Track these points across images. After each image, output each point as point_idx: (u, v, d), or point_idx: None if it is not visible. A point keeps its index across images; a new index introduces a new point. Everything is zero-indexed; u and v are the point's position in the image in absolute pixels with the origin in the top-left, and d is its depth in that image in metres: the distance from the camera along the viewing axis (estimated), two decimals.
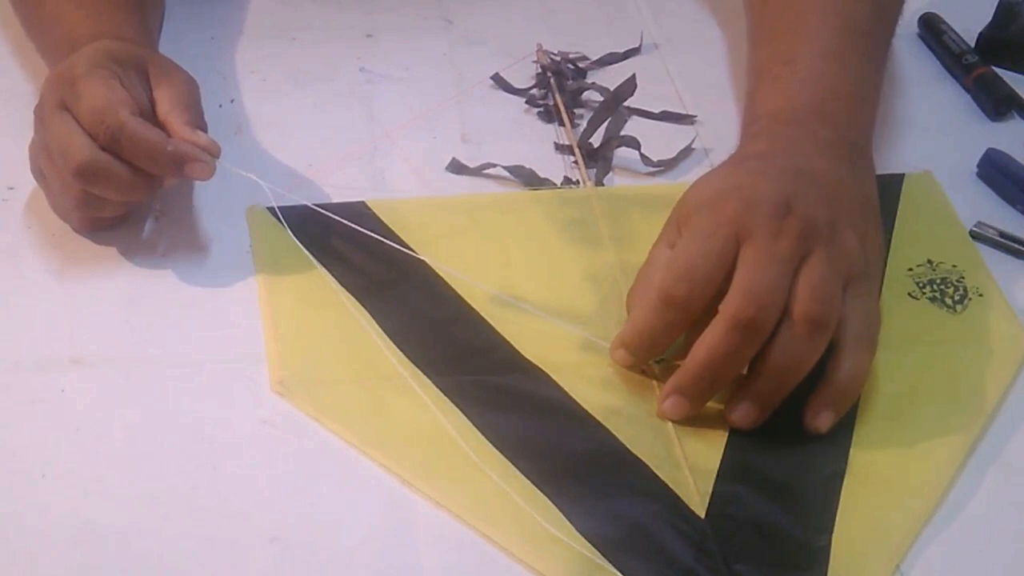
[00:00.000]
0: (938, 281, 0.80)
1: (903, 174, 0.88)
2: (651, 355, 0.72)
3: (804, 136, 0.78)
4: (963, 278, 0.80)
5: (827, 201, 0.72)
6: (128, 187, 0.76)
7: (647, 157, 0.88)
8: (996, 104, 0.95)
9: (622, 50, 0.99)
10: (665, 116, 0.93)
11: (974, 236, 0.84)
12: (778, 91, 0.82)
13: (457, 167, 0.88)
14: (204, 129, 0.79)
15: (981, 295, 0.79)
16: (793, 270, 0.69)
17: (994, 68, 0.98)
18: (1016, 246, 0.83)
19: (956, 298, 0.79)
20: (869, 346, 0.71)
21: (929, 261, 0.81)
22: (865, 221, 0.74)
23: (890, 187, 0.86)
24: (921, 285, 0.80)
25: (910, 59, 1.02)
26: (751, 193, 0.71)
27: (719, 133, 0.91)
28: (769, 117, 0.80)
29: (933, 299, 0.79)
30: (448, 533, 0.66)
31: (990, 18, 1.01)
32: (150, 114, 0.78)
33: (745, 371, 0.70)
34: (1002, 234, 0.84)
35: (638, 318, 0.71)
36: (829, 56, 0.83)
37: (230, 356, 0.74)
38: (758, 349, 0.68)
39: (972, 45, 1.00)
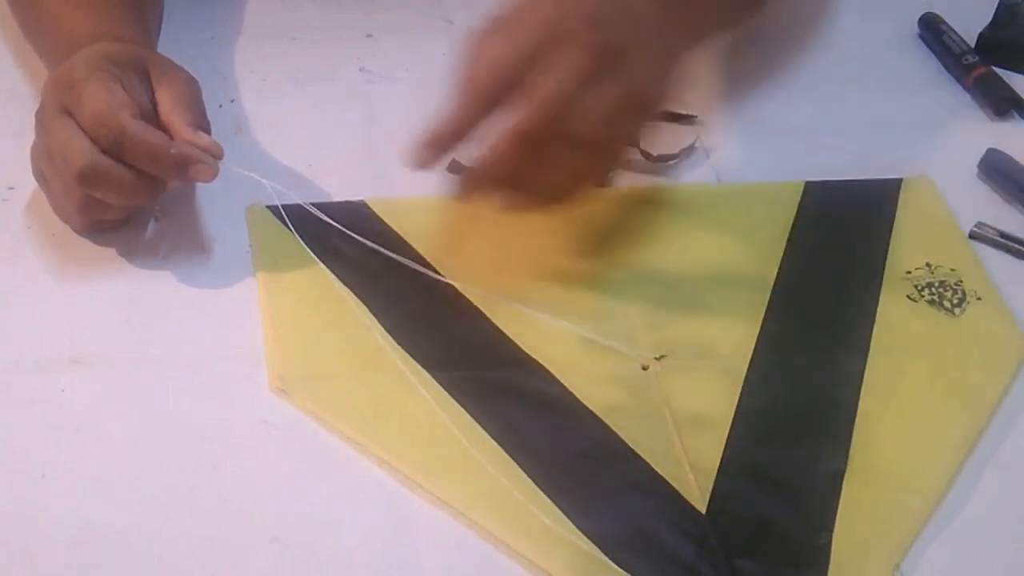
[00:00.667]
0: (936, 284, 0.80)
1: (900, 179, 0.88)
2: (447, 148, 0.72)
3: None
4: (961, 281, 0.80)
5: (641, 36, 0.72)
6: (130, 190, 0.76)
7: (647, 153, 0.88)
8: (996, 104, 0.95)
9: None
10: (665, 116, 0.93)
11: (974, 236, 0.84)
12: None
13: (457, 168, 0.88)
14: (207, 128, 0.79)
15: (979, 298, 0.79)
16: (586, 90, 0.69)
17: (994, 68, 0.98)
18: (1016, 246, 0.83)
19: (955, 301, 0.79)
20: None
21: (927, 264, 0.81)
22: (666, 68, 0.74)
23: (888, 191, 0.87)
24: (919, 288, 0.80)
25: (910, 59, 1.02)
26: (569, 4, 0.71)
27: (720, 132, 0.91)
28: None
29: (931, 302, 0.79)
30: (448, 533, 0.66)
31: (990, 18, 1.01)
32: (152, 116, 0.78)
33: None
34: (1002, 234, 0.84)
35: (448, 111, 0.71)
36: None
37: (230, 356, 0.74)
38: (537, 158, 0.69)
39: (972, 45, 1.00)
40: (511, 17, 0.72)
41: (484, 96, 0.71)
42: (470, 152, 0.72)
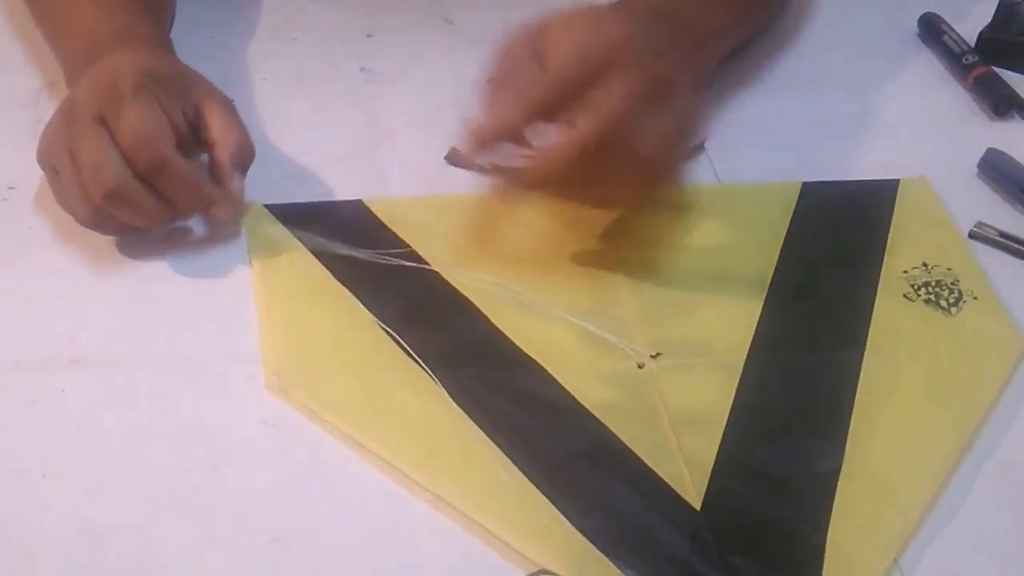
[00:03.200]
0: (933, 283, 0.80)
1: (898, 179, 0.88)
2: (492, 146, 0.74)
3: (675, 31, 0.80)
4: (957, 281, 0.80)
5: (687, 72, 0.76)
6: (149, 216, 0.77)
7: None
8: (996, 104, 0.95)
9: None
10: None
11: (974, 236, 0.84)
12: None
13: (455, 158, 0.88)
14: (250, 153, 0.81)
15: (976, 298, 0.79)
16: (648, 108, 0.72)
17: (994, 68, 0.98)
18: (1016, 246, 0.83)
19: (951, 300, 0.79)
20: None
21: (924, 264, 0.81)
22: (703, 100, 0.79)
23: (885, 192, 0.87)
24: (916, 287, 0.80)
25: (910, 59, 1.02)
26: (635, 30, 0.74)
27: (719, 132, 0.91)
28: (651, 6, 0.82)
29: (928, 301, 0.79)
30: (448, 533, 0.66)
31: (990, 18, 1.01)
32: (187, 136, 0.79)
33: None
34: (1002, 234, 0.84)
35: (504, 114, 0.73)
36: None
37: (230, 356, 0.75)
38: (592, 168, 0.72)
39: (972, 45, 1.00)
40: (577, 27, 0.74)
41: (543, 104, 0.73)
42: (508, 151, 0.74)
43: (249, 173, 0.82)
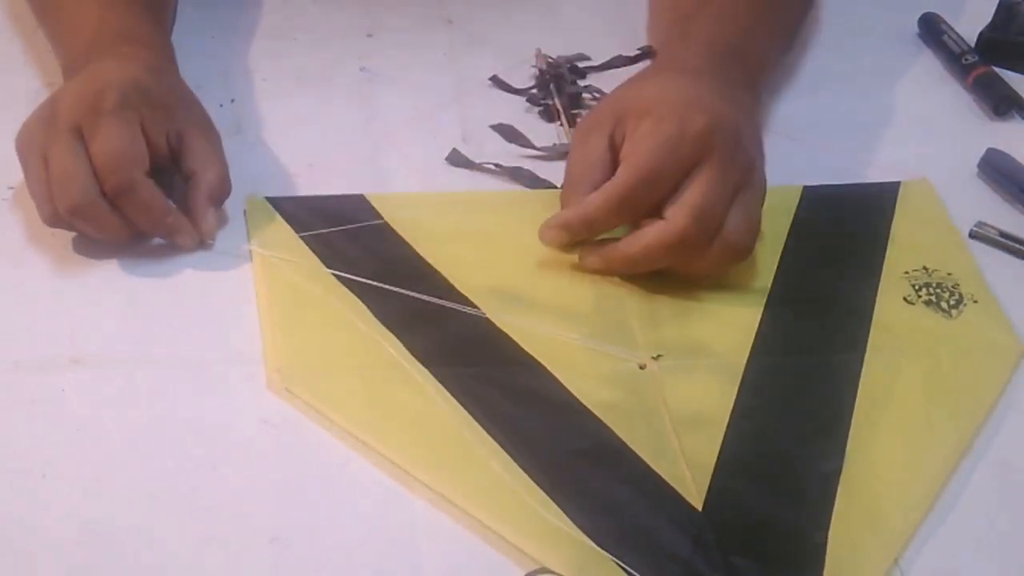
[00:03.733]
0: (934, 285, 0.80)
1: (899, 182, 0.88)
2: (585, 240, 0.78)
3: (734, 70, 0.83)
4: (958, 284, 0.80)
5: (758, 141, 0.79)
6: (111, 233, 0.77)
7: None
8: (996, 104, 0.95)
9: (628, 52, 0.99)
10: None
11: (975, 236, 0.84)
12: (705, 27, 0.87)
13: (456, 158, 0.88)
14: (227, 186, 0.80)
15: (976, 301, 0.80)
16: (733, 197, 0.75)
17: (994, 68, 0.98)
18: (1017, 246, 0.83)
19: (951, 303, 0.79)
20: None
21: (925, 267, 0.81)
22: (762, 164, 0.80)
23: (886, 194, 0.87)
24: (917, 288, 0.80)
25: (910, 59, 1.02)
26: (717, 116, 0.76)
27: None
28: (707, 44, 0.85)
29: (928, 303, 0.79)
30: (448, 532, 0.66)
31: (990, 18, 1.01)
32: (166, 158, 0.79)
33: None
34: (1002, 234, 0.84)
35: (591, 210, 0.76)
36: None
37: (230, 356, 0.74)
38: (681, 256, 0.76)
39: (972, 45, 1.00)
40: (663, 118, 0.76)
41: (630, 201, 0.76)
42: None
43: (250, 173, 0.82)
